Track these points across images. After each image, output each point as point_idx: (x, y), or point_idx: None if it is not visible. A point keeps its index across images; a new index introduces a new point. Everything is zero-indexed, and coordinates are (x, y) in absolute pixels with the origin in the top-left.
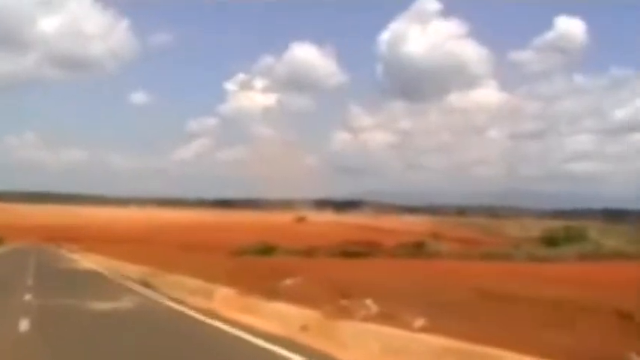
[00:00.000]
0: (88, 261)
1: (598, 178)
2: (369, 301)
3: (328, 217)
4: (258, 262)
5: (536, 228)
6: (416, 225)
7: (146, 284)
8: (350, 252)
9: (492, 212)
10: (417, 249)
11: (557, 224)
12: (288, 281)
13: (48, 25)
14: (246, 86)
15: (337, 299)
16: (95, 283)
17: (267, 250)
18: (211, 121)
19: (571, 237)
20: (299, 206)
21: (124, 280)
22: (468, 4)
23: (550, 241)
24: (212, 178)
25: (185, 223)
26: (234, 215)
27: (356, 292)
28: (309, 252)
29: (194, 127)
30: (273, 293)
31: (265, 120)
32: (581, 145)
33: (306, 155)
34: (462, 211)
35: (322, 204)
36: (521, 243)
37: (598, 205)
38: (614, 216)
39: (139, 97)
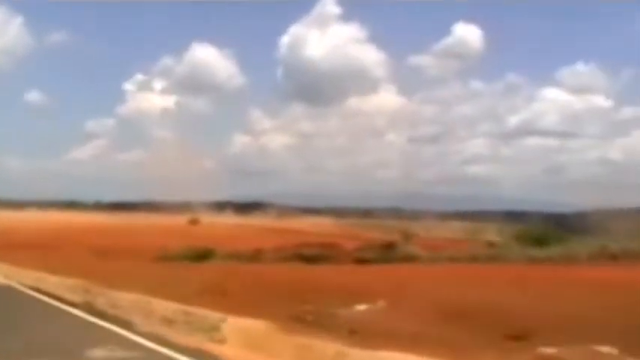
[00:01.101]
0: None
1: (493, 180)
2: (605, 349)
3: (229, 219)
4: (243, 272)
5: (447, 228)
6: (326, 226)
7: (90, 308)
8: (307, 256)
9: (394, 214)
10: (385, 252)
11: (462, 225)
12: (362, 307)
13: None
14: (144, 87)
15: (505, 344)
16: (16, 308)
17: (202, 254)
18: (109, 122)
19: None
20: (197, 208)
21: (53, 299)
22: (368, 9)
23: (537, 241)
24: (110, 181)
25: (86, 227)
26: (133, 218)
27: (526, 328)
28: (254, 257)
29: (91, 127)
30: (355, 334)
31: (164, 122)
32: (477, 149)
33: (204, 158)
34: (367, 213)
35: (222, 206)
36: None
37: (496, 206)
38: (514, 218)
39: (33, 97)
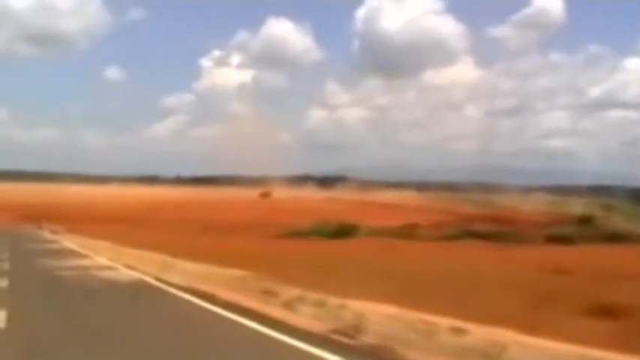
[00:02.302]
0: (91, 251)
1: (573, 153)
2: None
3: (310, 192)
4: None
5: (533, 202)
6: (415, 200)
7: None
8: (482, 234)
9: (476, 187)
10: (582, 227)
11: (546, 198)
12: None
13: (20, 1)
14: (221, 62)
15: None
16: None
17: (343, 231)
18: (187, 98)
19: None
20: (274, 182)
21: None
22: None
23: None
24: (188, 155)
25: (172, 201)
26: (213, 192)
27: None
28: (408, 234)
29: (169, 103)
30: None
31: (240, 96)
32: (556, 122)
33: (281, 132)
34: (449, 186)
35: (302, 179)
36: None
37: (576, 180)
38: (596, 192)
39: (113, 73)
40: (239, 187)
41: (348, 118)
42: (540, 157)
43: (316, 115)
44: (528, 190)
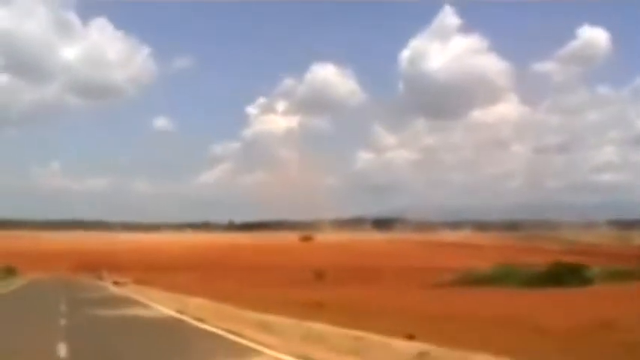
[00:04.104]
0: (217, 322)
1: (625, 187)
2: None
3: (369, 234)
4: None
5: (596, 235)
6: (491, 239)
7: None
8: None
9: (537, 225)
10: None
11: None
12: None
13: (69, 53)
14: (267, 109)
15: None
16: None
17: (560, 273)
18: (234, 146)
19: None
20: (326, 226)
21: None
22: (488, 19)
23: None
24: (238, 201)
25: (234, 246)
26: (274, 237)
27: None
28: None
29: (217, 151)
30: None
31: (287, 142)
32: (606, 156)
33: (329, 176)
34: (508, 225)
35: (355, 222)
36: None
37: (631, 214)
38: None
39: (160, 123)
40: (291, 232)
41: (396, 160)
42: (592, 191)
43: (363, 158)
44: (588, 225)
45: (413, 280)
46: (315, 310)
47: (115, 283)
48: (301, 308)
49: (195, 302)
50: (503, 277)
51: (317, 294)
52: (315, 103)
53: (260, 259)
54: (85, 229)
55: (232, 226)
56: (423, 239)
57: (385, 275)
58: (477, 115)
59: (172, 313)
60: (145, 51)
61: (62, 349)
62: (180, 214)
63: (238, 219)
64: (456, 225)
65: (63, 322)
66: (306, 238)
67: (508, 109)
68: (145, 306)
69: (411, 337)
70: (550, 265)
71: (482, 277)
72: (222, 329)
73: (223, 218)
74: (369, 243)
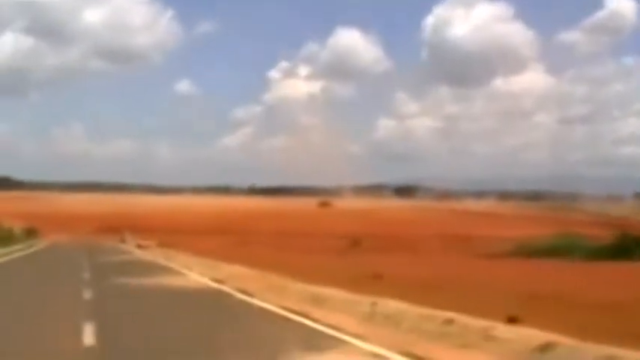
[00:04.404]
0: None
1: None
2: None
3: (390, 202)
4: None
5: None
6: (522, 209)
7: None
8: None
9: (558, 196)
10: None
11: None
12: None
13: (93, 17)
14: (290, 74)
15: None
16: None
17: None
18: (256, 110)
19: None
20: (346, 192)
21: None
22: None
23: None
24: (259, 166)
25: (259, 211)
26: (290, 202)
27: None
28: None
29: (239, 115)
30: None
31: (309, 108)
32: (632, 128)
33: (351, 142)
34: (531, 196)
35: (375, 189)
36: None
37: None
38: None
39: (184, 87)
40: (312, 197)
41: (418, 128)
42: (616, 164)
43: (386, 125)
44: (612, 198)
45: (460, 249)
46: (374, 282)
47: (139, 246)
48: (358, 280)
49: (234, 270)
50: (565, 249)
51: (363, 263)
52: (338, 69)
53: (284, 225)
54: (107, 191)
55: (253, 191)
56: (449, 207)
57: (427, 244)
58: (501, 84)
59: (211, 283)
60: (169, 14)
61: (88, 334)
62: (201, 178)
63: (259, 183)
64: (478, 195)
65: (87, 294)
66: (324, 204)
67: (532, 78)
68: (177, 274)
69: (513, 319)
70: (616, 238)
71: (541, 248)
72: (280, 307)
73: (244, 182)
74: (392, 210)
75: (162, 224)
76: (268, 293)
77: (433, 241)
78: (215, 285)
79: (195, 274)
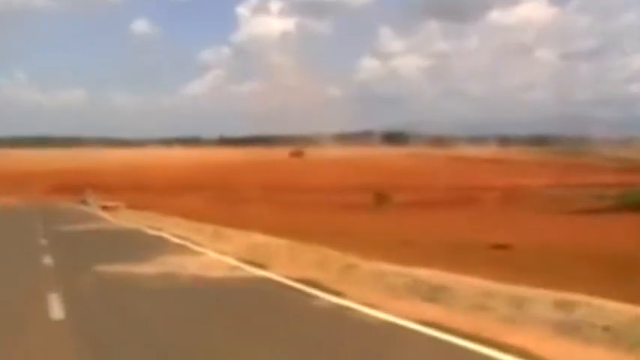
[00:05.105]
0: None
1: None
2: None
3: (390, 150)
4: None
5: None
6: (526, 155)
7: None
8: None
9: (564, 140)
10: None
11: None
12: None
13: None
14: (260, 10)
15: None
16: None
17: None
18: (224, 51)
19: None
20: (327, 140)
21: None
22: None
23: None
24: (229, 114)
25: (231, 163)
26: (268, 153)
27: None
28: None
29: (205, 58)
30: None
31: (283, 47)
32: None
33: (331, 85)
34: (534, 140)
35: (362, 137)
36: None
37: None
38: None
39: (140, 26)
40: (289, 147)
41: (405, 67)
42: (625, 104)
43: (369, 65)
44: (623, 140)
45: (516, 204)
46: (505, 258)
47: (104, 207)
48: (469, 254)
49: (259, 242)
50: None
51: (427, 225)
52: (314, 2)
53: (267, 178)
54: (59, 146)
55: (224, 141)
56: (449, 155)
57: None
58: (497, 16)
59: (252, 269)
60: None
61: None
62: (166, 129)
63: (232, 133)
64: (475, 140)
65: (57, 312)
66: (296, 154)
67: (532, 9)
68: (185, 252)
69: None
70: None
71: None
72: (421, 323)
73: (215, 132)
74: (384, 158)
75: (127, 181)
76: (363, 288)
77: (481, 195)
78: (260, 273)
79: (211, 251)
